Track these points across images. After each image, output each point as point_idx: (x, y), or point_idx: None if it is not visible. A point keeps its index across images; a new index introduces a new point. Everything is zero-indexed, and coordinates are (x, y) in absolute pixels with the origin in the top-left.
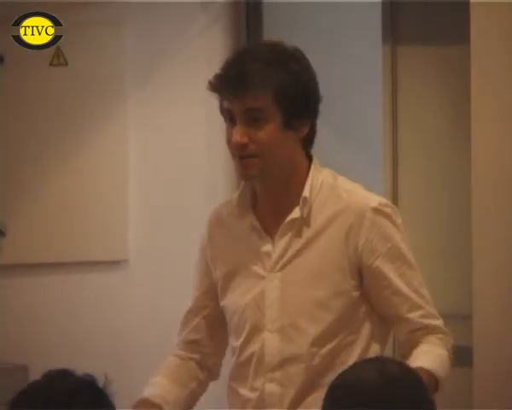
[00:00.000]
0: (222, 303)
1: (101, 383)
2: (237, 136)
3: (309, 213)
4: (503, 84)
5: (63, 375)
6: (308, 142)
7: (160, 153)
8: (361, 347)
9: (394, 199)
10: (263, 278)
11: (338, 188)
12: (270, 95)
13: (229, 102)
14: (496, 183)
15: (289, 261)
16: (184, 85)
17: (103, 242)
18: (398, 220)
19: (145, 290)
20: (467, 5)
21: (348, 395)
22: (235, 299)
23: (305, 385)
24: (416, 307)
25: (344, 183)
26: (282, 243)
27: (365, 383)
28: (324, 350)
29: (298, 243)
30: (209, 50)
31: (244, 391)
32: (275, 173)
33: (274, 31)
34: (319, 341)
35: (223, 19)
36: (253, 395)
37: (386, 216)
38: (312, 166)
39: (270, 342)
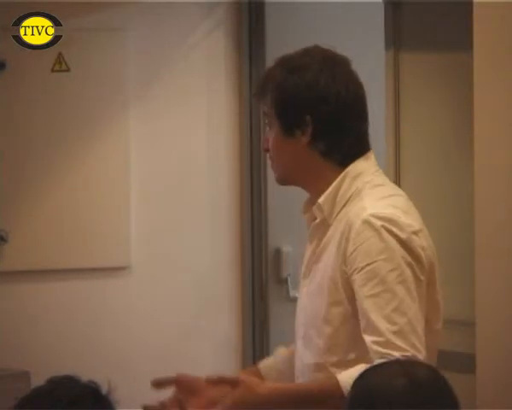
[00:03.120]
0: None
1: (104, 390)
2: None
3: (333, 222)
4: (506, 88)
5: (67, 381)
6: (330, 152)
7: (162, 159)
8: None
9: None
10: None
11: (359, 198)
12: (268, 101)
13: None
14: (499, 188)
15: (312, 268)
16: (187, 90)
17: (105, 248)
18: (389, 238)
19: (146, 297)
20: (470, 10)
21: (374, 399)
22: None
23: None
24: (375, 331)
25: (369, 192)
26: (310, 248)
27: (393, 390)
28: (329, 364)
29: (319, 250)
30: (211, 54)
31: None
32: (288, 179)
33: (276, 32)
34: (324, 354)
35: (225, 21)
36: None
37: (375, 230)
38: (341, 176)
39: (298, 348)
